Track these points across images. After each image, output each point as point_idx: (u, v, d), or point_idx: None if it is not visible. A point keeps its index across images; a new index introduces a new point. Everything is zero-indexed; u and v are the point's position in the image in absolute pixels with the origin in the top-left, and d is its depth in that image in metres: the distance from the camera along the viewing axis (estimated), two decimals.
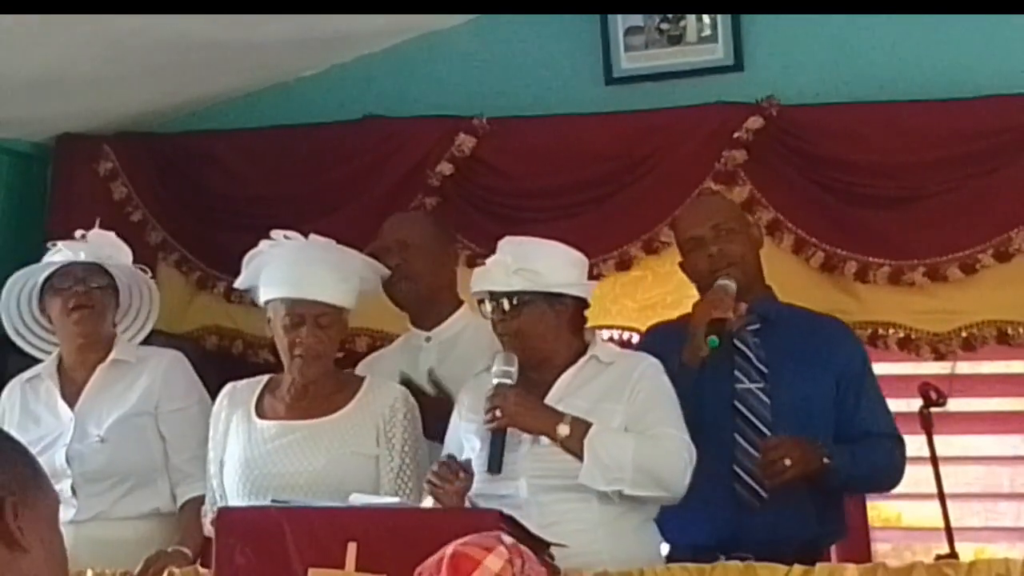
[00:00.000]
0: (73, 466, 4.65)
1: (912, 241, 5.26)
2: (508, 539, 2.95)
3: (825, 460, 4.36)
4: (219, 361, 5.69)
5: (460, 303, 4.86)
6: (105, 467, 4.65)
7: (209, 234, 5.84)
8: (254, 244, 5.56)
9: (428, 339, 4.82)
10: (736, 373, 4.49)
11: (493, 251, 5.42)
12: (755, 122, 5.38)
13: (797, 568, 3.95)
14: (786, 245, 5.34)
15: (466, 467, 4.14)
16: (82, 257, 4.73)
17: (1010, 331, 5.18)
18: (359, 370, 4.85)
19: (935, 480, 4.27)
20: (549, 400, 4.24)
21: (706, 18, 5.58)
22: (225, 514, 4.07)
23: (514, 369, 4.25)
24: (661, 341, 4.59)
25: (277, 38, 5.44)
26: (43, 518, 2.04)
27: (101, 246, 4.81)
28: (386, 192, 5.69)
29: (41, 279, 4.80)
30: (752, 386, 4.49)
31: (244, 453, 4.40)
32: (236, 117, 5.97)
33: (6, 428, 4.69)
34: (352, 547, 3.88)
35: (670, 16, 5.61)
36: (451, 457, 4.18)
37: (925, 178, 5.27)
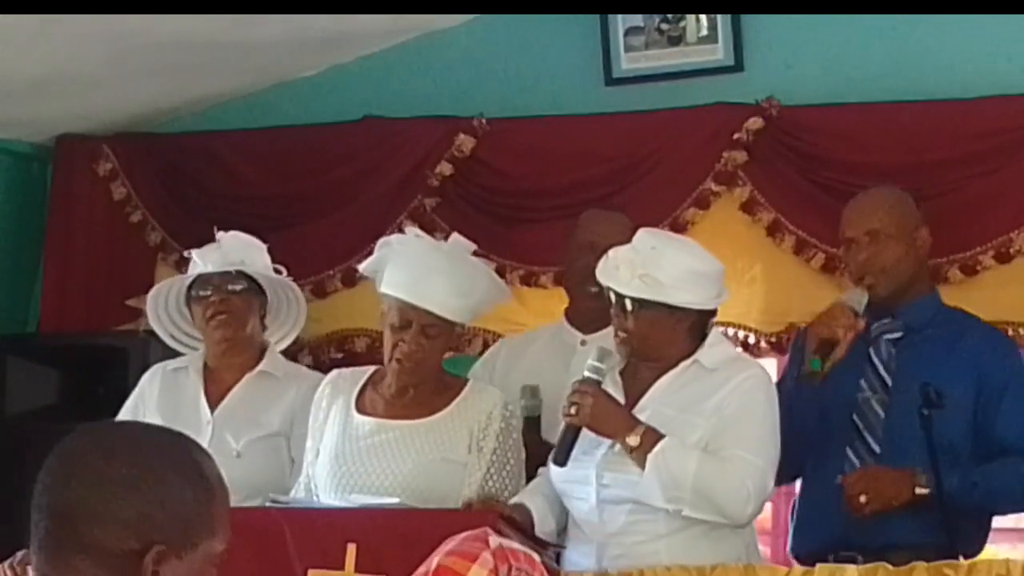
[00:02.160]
0: None
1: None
2: (495, 541, 2.88)
3: (919, 490, 4.25)
4: None
5: None
6: (238, 482, 4.49)
7: (209, 234, 5.80)
8: None
9: (584, 343, 4.71)
10: (861, 382, 4.41)
11: (493, 251, 5.46)
12: (755, 123, 5.38)
13: (797, 568, 3.95)
14: (787, 246, 5.33)
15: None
16: (214, 265, 4.70)
17: (1011, 332, 5.18)
18: (499, 348, 4.82)
19: (935, 480, 4.26)
20: (642, 402, 4.17)
21: (706, 18, 5.57)
22: None
23: (606, 366, 4.17)
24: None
25: (277, 38, 5.44)
26: (193, 567, 1.96)
27: (235, 249, 4.77)
28: (386, 192, 5.69)
29: (185, 288, 4.79)
30: (872, 397, 4.42)
31: (337, 447, 4.34)
32: (236, 117, 5.96)
33: (142, 410, 4.70)
34: (352, 547, 3.88)
35: (670, 16, 5.60)
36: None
37: (925, 179, 5.26)
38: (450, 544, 2.89)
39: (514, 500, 4.22)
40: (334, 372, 4.54)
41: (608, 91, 5.65)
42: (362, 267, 4.56)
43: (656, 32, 5.62)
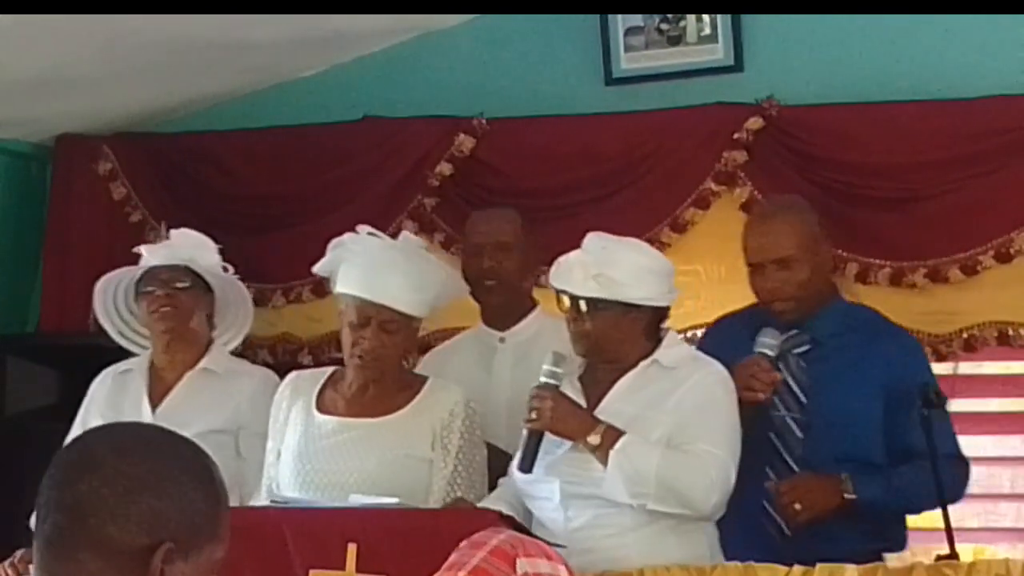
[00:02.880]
0: None
1: (913, 242, 5.25)
2: (523, 566, 2.85)
3: (847, 495, 4.30)
4: None
5: (535, 304, 4.84)
6: None
7: (209, 234, 5.80)
8: (254, 244, 5.59)
9: (502, 340, 4.78)
10: (776, 400, 4.40)
11: None
12: (755, 123, 5.38)
13: (797, 568, 3.95)
14: None
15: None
16: (162, 260, 4.73)
17: (1011, 332, 5.18)
18: (426, 362, 4.83)
19: (935, 481, 4.26)
20: (604, 403, 4.20)
21: (706, 18, 5.58)
22: None
23: (562, 370, 4.21)
24: (726, 335, 4.54)
25: (277, 38, 5.43)
26: (197, 570, 1.96)
27: (184, 246, 4.80)
28: (386, 192, 5.69)
29: (133, 283, 4.81)
30: (787, 416, 4.42)
31: (299, 446, 4.36)
32: (236, 117, 5.96)
33: (89, 416, 4.72)
34: (352, 547, 3.88)
35: (670, 16, 5.60)
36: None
37: (925, 179, 5.26)
38: (476, 557, 2.85)
39: (481, 506, 4.23)
40: (293, 373, 4.57)
41: (608, 91, 5.66)
42: (316, 268, 4.56)
43: (656, 32, 5.62)
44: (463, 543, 3.00)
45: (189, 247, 4.81)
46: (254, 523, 4.01)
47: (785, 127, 5.40)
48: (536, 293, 5.00)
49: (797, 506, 4.28)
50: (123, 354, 4.98)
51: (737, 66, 5.54)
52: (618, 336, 4.20)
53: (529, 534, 3.73)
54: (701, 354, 4.34)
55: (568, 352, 4.28)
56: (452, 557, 2.91)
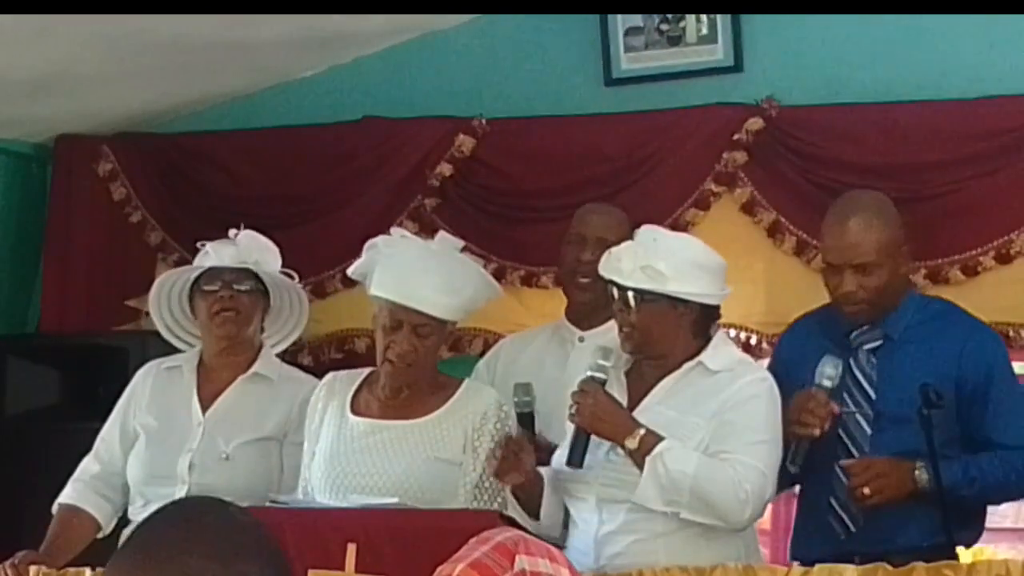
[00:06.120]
0: (193, 475, 4.54)
1: (913, 243, 5.25)
2: (521, 563, 2.85)
3: (919, 483, 4.20)
4: None
5: None
6: (224, 485, 4.49)
7: (209, 234, 5.81)
8: None
9: (582, 339, 4.68)
10: (844, 396, 4.32)
11: (493, 251, 5.46)
12: (755, 123, 5.39)
13: (797, 568, 3.94)
14: (787, 247, 5.33)
15: (525, 444, 4.10)
16: (228, 261, 4.64)
17: (1011, 333, 5.17)
18: (500, 348, 4.80)
19: (935, 481, 4.26)
20: (645, 402, 4.16)
21: (706, 18, 5.58)
22: None
23: (609, 364, 4.16)
24: (800, 337, 4.46)
25: (277, 38, 5.44)
26: None
27: (250, 248, 4.71)
28: (386, 192, 5.69)
29: (191, 279, 4.71)
30: (856, 411, 4.34)
31: (332, 448, 4.33)
32: (236, 117, 5.96)
33: (132, 409, 4.68)
34: (352, 547, 3.88)
35: (670, 17, 5.60)
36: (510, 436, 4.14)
37: (925, 179, 5.26)
38: (478, 551, 2.86)
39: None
40: (330, 375, 4.53)
41: (608, 91, 5.66)
42: (351, 271, 4.54)
43: (656, 32, 5.62)
44: (472, 539, 3.00)
45: (256, 249, 4.71)
46: None
47: (785, 127, 5.40)
48: (537, 293, 5.01)
49: (866, 490, 4.18)
50: (124, 354, 4.98)
51: (737, 66, 5.54)
52: (664, 331, 4.14)
53: (530, 532, 3.73)
54: (748, 358, 4.27)
55: (616, 347, 4.22)
56: (460, 552, 2.92)
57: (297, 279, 4.79)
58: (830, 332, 4.40)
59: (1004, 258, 5.17)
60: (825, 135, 5.38)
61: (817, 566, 3.93)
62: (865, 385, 4.34)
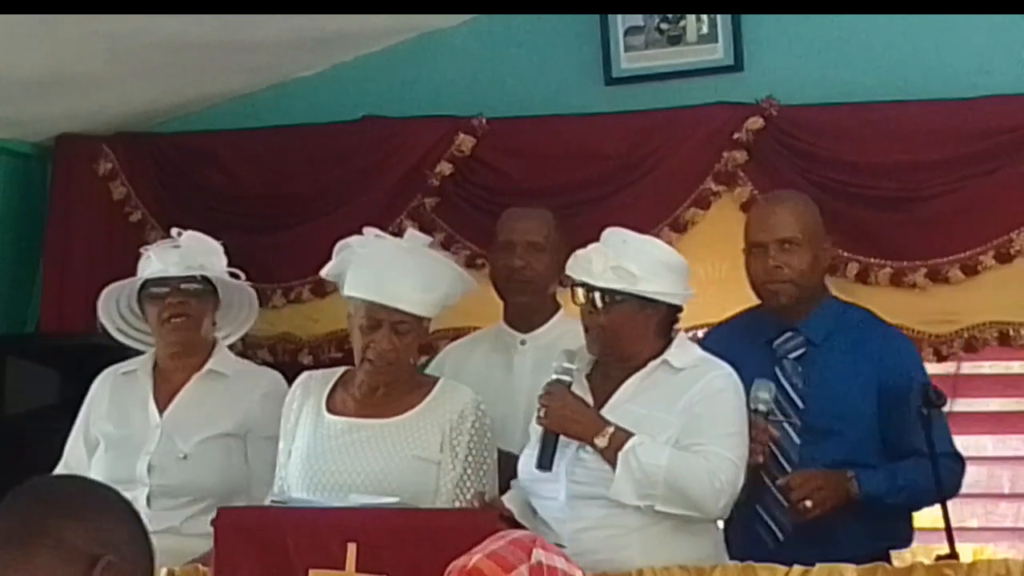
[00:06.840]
0: (153, 476, 4.57)
1: (913, 242, 5.26)
2: (537, 556, 2.85)
3: (852, 492, 4.30)
4: None
5: (558, 307, 4.80)
6: (184, 484, 4.57)
7: (209, 234, 5.81)
8: (253, 244, 5.59)
9: (523, 342, 4.74)
10: (772, 405, 4.37)
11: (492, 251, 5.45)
12: (755, 122, 5.39)
13: (797, 568, 3.95)
14: None
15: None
16: (172, 268, 4.65)
17: (1011, 332, 5.18)
18: (444, 358, 4.81)
19: (935, 481, 4.26)
20: (612, 401, 4.21)
21: (706, 18, 5.58)
22: (225, 514, 4.06)
23: (575, 366, 4.21)
24: (724, 343, 4.49)
25: (277, 38, 5.44)
26: None
27: (195, 251, 4.72)
28: (386, 192, 5.69)
29: (138, 284, 4.73)
30: (784, 422, 4.40)
31: (309, 447, 4.34)
32: (236, 117, 5.96)
33: (92, 417, 4.69)
34: (352, 547, 3.88)
35: (670, 16, 5.60)
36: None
37: (925, 179, 5.26)
38: (495, 544, 2.86)
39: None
40: (305, 374, 4.54)
41: (608, 91, 5.66)
42: (324, 272, 4.54)
43: (656, 32, 5.62)
44: (488, 538, 3.00)
45: (201, 253, 4.73)
46: (254, 523, 4.01)
47: (785, 127, 5.40)
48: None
49: (808, 503, 4.26)
50: (125, 354, 4.98)
51: (737, 66, 5.55)
52: (632, 332, 4.20)
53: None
54: (711, 356, 4.33)
55: (580, 349, 4.27)
56: (476, 548, 2.92)
57: (244, 278, 4.81)
58: (753, 336, 4.49)
59: (1004, 257, 5.17)
60: (825, 135, 5.38)
61: (817, 566, 3.95)
62: (792, 395, 4.43)
